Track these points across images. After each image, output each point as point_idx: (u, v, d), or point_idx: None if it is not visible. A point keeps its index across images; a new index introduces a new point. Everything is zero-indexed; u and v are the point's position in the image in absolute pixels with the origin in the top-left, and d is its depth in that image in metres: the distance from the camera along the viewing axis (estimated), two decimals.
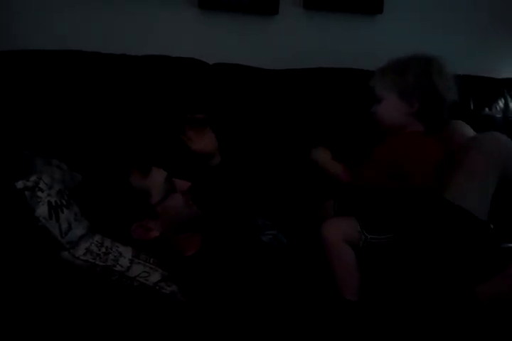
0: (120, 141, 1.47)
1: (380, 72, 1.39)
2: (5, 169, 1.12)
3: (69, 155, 1.37)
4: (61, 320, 1.02)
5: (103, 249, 1.12)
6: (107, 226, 1.16)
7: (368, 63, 1.60)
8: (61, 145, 1.41)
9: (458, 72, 1.77)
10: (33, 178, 1.09)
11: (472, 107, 1.76)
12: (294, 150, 1.57)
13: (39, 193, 1.08)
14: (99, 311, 1.06)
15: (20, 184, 1.06)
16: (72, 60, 1.49)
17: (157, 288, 1.14)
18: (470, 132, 1.48)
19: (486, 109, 1.77)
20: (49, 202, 1.08)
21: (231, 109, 1.55)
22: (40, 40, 1.55)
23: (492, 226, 1.38)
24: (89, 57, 1.51)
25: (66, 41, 1.55)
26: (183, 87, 1.54)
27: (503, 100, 1.80)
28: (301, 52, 1.77)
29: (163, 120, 1.50)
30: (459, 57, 1.90)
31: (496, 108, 1.79)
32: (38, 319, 1.00)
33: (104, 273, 1.11)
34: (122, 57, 1.54)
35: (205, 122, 1.36)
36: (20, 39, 1.55)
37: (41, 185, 1.09)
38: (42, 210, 1.07)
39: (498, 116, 1.78)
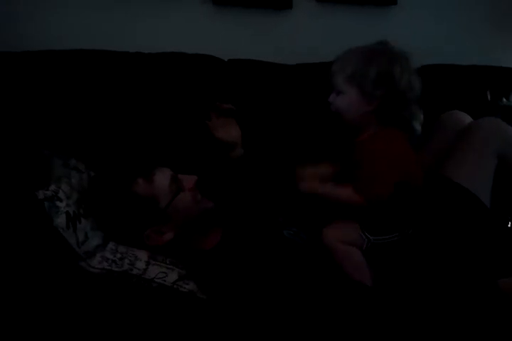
0: (136, 136, 1.49)
1: (343, 60, 1.25)
2: (26, 176, 1.13)
3: (87, 153, 1.38)
4: (79, 322, 1.02)
5: (118, 255, 1.13)
6: (120, 237, 1.16)
7: None
8: (79, 143, 1.42)
9: (475, 63, 1.77)
10: (52, 187, 1.10)
11: (489, 98, 1.74)
12: (308, 145, 1.57)
13: (58, 203, 1.09)
14: (119, 313, 1.06)
15: (40, 194, 1.07)
16: (87, 59, 1.50)
17: (175, 287, 1.14)
18: (467, 118, 1.48)
19: (504, 100, 1.75)
20: (67, 213, 1.09)
21: (246, 104, 1.55)
22: (53, 40, 1.55)
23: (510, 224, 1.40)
24: (104, 55, 1.52)
25: (80, 40, 1.56)
26: (198, 83, 1.55)
27: None
28: (315, 46, 1.76)
29: (180, 115, 1.51)
30: (476, 49, 1.89)
31: None
32: (57, 323, 1.01)
33: (122, 278, 1.12)
34: (137, 55, 1.55)
35: (232, 113, 1.36)
36: (34, 40, 1.55)
37: (60, 195, 1.10)
38: (60, 220, 1.08)
39: None
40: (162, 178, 1.16)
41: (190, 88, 1.54)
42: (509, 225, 1.41)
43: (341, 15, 1.82)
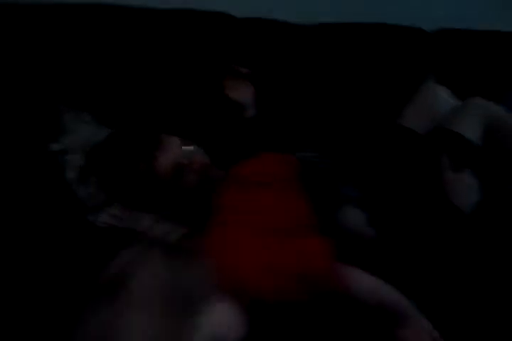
0: (147, 94, 1.47)
1: None
2: (39, 129, 1.14)
3: (100, 108, 1.37)
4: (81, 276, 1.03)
5: (126, 213, 1.13)
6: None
7: (402, 18, 1.56)
8: (91, 99, 1.40)
9: (496, 28, 1.71)
10: (65, 141, 1.11)
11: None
12: (320, 107, 1.55)
13: (70, 156, 1.10)
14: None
15: (54, 147, 1.08)
16: (96, 13, 1.48)
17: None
18: (445, 92, 1.43)
19: None
20: (79, 166, 1.10)
21: (258, 63, 1.52)
22: None
23: None
24: (113, 10, 1.49)
25: None
26: (210, 41, 1.52)
27: None
28: (335, 6, 1.69)
29: (191, 74, 1.49)
30: (498, 14, 1.83)
31: None
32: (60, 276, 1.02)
33: (127, 235, 1.12)
34: (147, 11, 1.52)
35: (248, 76, 1.38)
36: None
37: (73, 148, 1.11)
38: (72, 173, 1.08)
39: None
40: (164, 162, 1.09)
41: (201, 46, 1.51)
42: None
43: None
